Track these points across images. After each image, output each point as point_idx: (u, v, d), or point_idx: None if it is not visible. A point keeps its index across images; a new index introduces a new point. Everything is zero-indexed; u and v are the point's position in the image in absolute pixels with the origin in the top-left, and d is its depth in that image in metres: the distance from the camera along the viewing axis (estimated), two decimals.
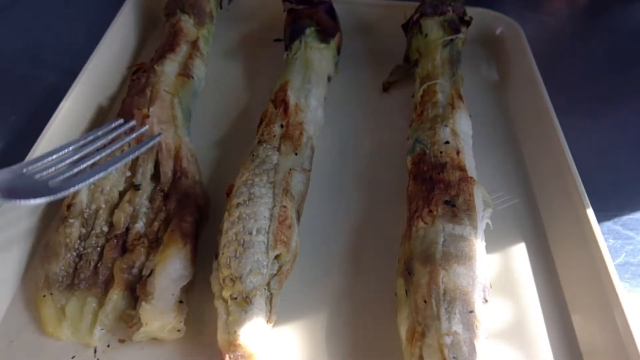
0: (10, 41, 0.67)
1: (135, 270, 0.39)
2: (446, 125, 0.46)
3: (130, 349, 0.37)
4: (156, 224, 0.41)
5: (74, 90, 0.50)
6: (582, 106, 0.63)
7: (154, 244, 0.40)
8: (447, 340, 0.32)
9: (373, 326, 0.39)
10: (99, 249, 0.41)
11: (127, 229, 0.42)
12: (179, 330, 0.37)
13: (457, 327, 0.33)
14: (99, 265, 0.40)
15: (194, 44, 0.55)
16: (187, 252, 0.39)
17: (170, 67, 0.52)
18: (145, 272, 0.39)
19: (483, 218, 0.40)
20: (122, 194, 0.44)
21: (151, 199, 0.43)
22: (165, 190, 0.44)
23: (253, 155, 0.43)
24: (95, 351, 0.37)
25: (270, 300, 0.37)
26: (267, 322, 0.36)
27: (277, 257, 0.38)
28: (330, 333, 0.39)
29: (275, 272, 0.38)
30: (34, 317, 0.39)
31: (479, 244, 0.38)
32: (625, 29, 0.79)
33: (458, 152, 0.44)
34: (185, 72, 0.53)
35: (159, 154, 0.45)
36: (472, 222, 0.38)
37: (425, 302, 0.34)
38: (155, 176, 0.45)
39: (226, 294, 0.36)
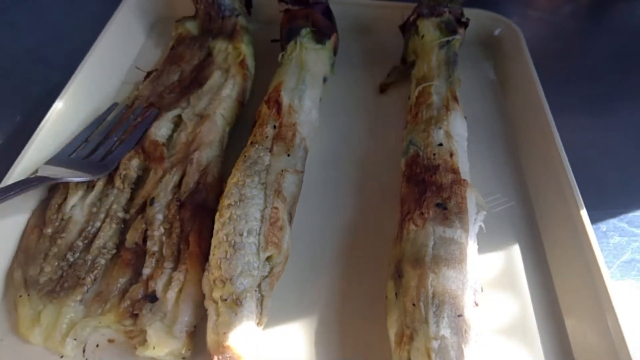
0: (12, 41, 0.67)
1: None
2: (440, 127, 0.46)
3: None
4: (174, 236, 0.41)
5: (68, 90, 0.50)
6: (585, 105, 0.63)
7: (170, 257, 0.39)
8: (435, 344, 0.32)
9: (364, 329, 0.39)
10: (89, 261, 0.40)
11: (143, 241, 0.41)
12: (184, 359, 0.36)
13: (445, 331, 0.32)
14: (88, 277, 0.39)
15: (241, 63, 0.55)
16: None
17: (226, 91, 0.52)
18: (157, 287, 0.38)
19: (476, 221, 0.40)
20: (111, 211, 0.44)
21: (166, 207, 0.43)
22: (181, 199, 0.43)
23: (245, 156, 0.43)
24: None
25: (261, 302, 0.37)
26: (258, 324, 0.36)
27: (268, 258, 0.38)
28: (321, 335, 0.39)
29: (266, 274, 0.38)
30: None
31: (470, 247, 0.37)
32: (626, 27, 0.78)
33: (451, 155, 0.44)
34: (241, 99, 0.53)
35: (187, 167, 0.45)
36: (463, 225, 0.38)
37: (414, 305, 0.34)
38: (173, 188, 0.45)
39: (216, 295, 0.36)
